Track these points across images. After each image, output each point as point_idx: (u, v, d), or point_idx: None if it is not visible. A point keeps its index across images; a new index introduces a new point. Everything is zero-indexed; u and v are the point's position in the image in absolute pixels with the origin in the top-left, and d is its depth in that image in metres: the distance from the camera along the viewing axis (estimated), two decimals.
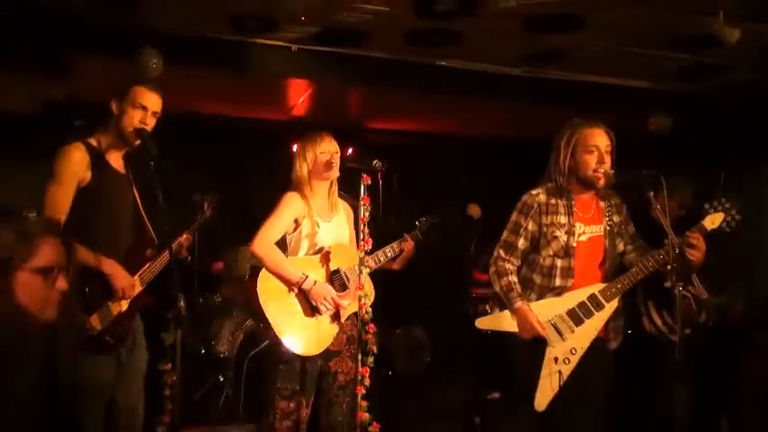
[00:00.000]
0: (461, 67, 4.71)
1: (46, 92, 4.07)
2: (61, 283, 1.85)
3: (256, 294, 3.13)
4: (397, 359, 5.49)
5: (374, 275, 3.28)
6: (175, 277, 2.54)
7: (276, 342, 3.13)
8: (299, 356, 3.16)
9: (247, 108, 5.75)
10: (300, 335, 3.14)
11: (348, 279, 3.24)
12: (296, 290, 3.16)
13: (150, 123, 2.89)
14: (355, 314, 3.17)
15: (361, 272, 3.08)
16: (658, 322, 3.78)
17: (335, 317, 3.21)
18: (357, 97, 5.54)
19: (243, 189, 3.81)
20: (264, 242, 3.15)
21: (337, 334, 3.25)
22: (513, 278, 3.00)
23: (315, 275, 3.21)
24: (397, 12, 3.83)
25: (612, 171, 3.00)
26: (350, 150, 5.83)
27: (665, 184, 2.93)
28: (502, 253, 3.05)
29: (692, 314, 3.76)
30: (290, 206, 3.21)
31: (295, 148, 3.36)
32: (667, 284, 2.95)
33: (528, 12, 3.71)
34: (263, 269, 3.16)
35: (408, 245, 3.51)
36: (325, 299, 3.15)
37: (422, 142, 6.43)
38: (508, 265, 3.02)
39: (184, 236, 3.22)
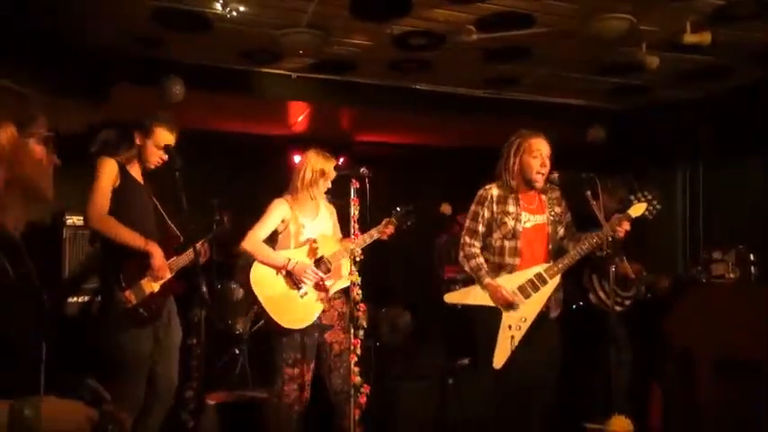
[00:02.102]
0: (433, 89, 4.74)
1: (90, 116, 4.07)
2: (54, 158, 1.49)
3: (250, 283, 3.18)
4: (384, 332, 5.52)
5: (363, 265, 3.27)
6: (198, 268, 2.56)
7: (269, 319, 3.16)
8: (298, 330, 3.19)
9: (255, 125, 5.75)
10: (287, 312, 3.18)
11: (330, 263, 3.28)
12: (283, 272, 3.20)
13: (164, 158, 2.89)
14: (345, 294, 3.23)
15: (353, 260, 3.12)
16: (602, 295, 3.84)
17: (319, 297, 3.24)
18: (347, 116, 5.55)
19: (251, 192, 3.84)
20: (253, 240, 3.19)
21: (329, 311, 3.29)
22: (480, 259, 3.04)
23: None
24: (380, 45, 3.86)
25: (555, 173, 3.06)
26: (341, 160, 5.86)
27: (599, 184, 3.01)
28: (467, 239, 3.09)
29: (633, 285, 3.83)
30: (276, 210, 3.26)
31: (298, 159, 3.37)
32: (612, 266, 3.03)
33: (486, 45, 3.75)
34: (255, 262, 3.20)
35: (389, 229, 3.38)
36: (306, 273, 3.18)
37: (402, 152, 6.46)
38: (474, 249, 3.06)
39: (201, 243, 3.10)
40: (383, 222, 3.39)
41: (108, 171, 2.78)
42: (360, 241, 3.25)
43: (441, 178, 6.30)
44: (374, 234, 3.34)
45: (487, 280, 2.99)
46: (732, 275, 4.07)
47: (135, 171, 2.94)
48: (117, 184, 2.80)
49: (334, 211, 3.46)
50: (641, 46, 3.64)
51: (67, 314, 3.90)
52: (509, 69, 4.32)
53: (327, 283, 3.26)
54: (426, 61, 4.17)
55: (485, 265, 3.02)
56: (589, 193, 3.01)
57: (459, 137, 6.07)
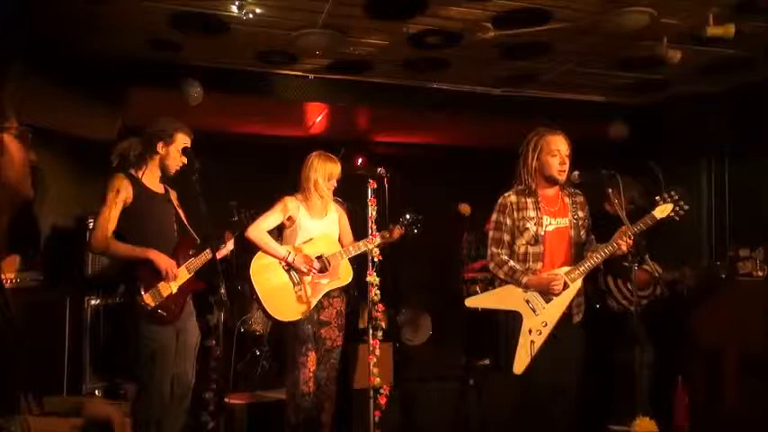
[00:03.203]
0: (450, 88, 4.70)
1: (110, 121, 4.15)
2: (33, 155, 1.47)
3: (249, 270, 3.28)
4: (404, 333, 5.51)
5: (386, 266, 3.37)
6: (218, 269, 2.62)
7: (261, 308, 3.28)
8: (308, 323, 3.31)
9: (274, 127, 5.77)
10: (279, 304, 3.28)
11: (329, 263, 3.36)
12: (284, 265, 3.30)
13: (184, 157, 3.02)
14: (346, 292, 3.41)
15: (371, 261, 3.13)
16: (618, 297, 3.78)
17: (313, 293, 3.33)
18: (364, 116, 5.54)
19: (270, 194, 3.87)
20: (257, 229, 3.31)
21: (328, 308, 3.40)
22: (511, 263, 3.00)
23: None
24: (396, 44, 3.85)
25: (576, 172, 3.01)
26: (360, 160, 5.86)
27: (620, 181, 2.96)
28: (494, 249, 3.05)
29: (649, 285, 3.76)
30: (284, 206, 3.38)
31: (309, 160, 3.43)
32: (626, 263, 2.97)
33: (503, 42, 3.71)
34: (257, 253, 3.31)
35: (394, 235, 3.48)
36: (305, 263, 3.28)
37: (420, 152, 6.44)
38: (503, 257, 3.03)
39: (228, 235, 3.26)
40: (390, 229, 3.46)
41: (116, 190, 2.90)
42: (362, 244, 3.35)
43: (460, 178, 6.25)
44: (362, 246, 3.39)
45: (525, 279, 2.96)
46: (760, 273, 3.98)
47: (152, 180, 3.04)
48: (129, 200, 2.91)
49: (344, 213, 3.55)
50: (662, 40, 3.57)
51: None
52: (527, 66, 4.27)
53: (323, 281, 3.34)
54: (443, 60, 4.14)
55: (518, 267, 2.99)
56: (610, 190, 2.96)
57: (477, 136, 6.02)
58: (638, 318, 3.55)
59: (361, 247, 3.37)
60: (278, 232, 3.45)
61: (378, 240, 3.33)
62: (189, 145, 3.02)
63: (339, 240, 3.50)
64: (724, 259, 4.45)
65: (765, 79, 4.37)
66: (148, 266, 2.89)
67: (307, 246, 3.37)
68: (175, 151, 2.99)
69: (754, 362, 3.76)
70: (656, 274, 3.32)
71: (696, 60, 4.00)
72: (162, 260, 2.90)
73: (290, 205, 3.39)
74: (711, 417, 3.98)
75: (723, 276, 4.11)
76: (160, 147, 3.00)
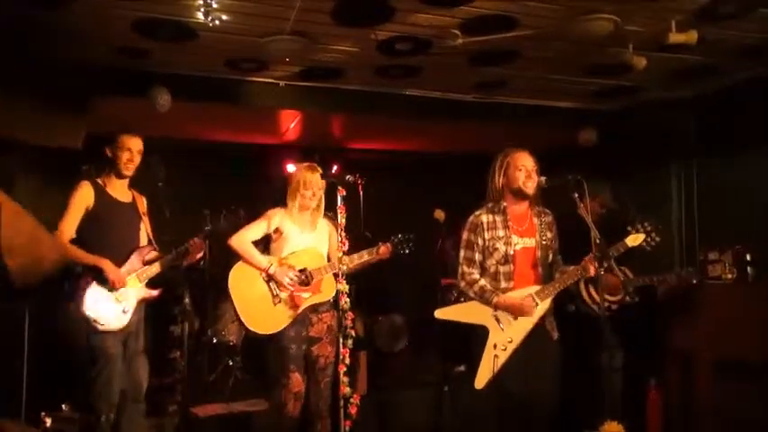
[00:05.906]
0: (422, 95, 4.72)
1: (77, 130, 4.11)
2: None
3: (227, 281, 3.26)
4: (380, 340, 5.49)
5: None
6: (181, 278, 2.62)
7: (238, 318, 3.24)
8: (293, 342, 3.24)
9: (247, 135, 5.74)
10: (257, 316, 3.23)
11: (311, 276, 3.30)
12: (265, 276, 3.25)
13: (136, 160, 3.16)
14: (335, 307, 3.27)
15: (340, 269, 3.12)
16: (588, 301, 3.83)
17: (293, 306, 3.26)
18: (337, 123, 5.54)
19: (243, 202, 3.84)
20: (240, 239, 3.28)
21: (317, 323, 3.33)
22: (482, 282, 3.03)
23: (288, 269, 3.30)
24: (366, 51, 3.85)
25: (542, 178, 3.05)
26: (335, 168, 5.86)
27: (586, 186, 3.00)
28: (465, 268, 3.08)
29: (618, 290, 3.80)
30: (270, 219, 3.35)
31: (292, 168, 3.42)
32: (600, 271, 3.02)
33: (471, 49, 3.74)
34: (240, 261, 3.27)
35: (383, 254, 3.46)
36: (286, 275, 3.24)
37: (392, 158, 6.44)
38: (474, 276, 3.06)
39: (196, 240, 3.24)
40: (378, 246, 3.45)
41: (78, 197, 3.03)
42: (348, 260, 3.27)
43: (434, 184, 6.27)
44: (365, 255, 3.39)
45: (495, 299, 2.99)
46: (729, 276, 4.04)
47: (118, 188, 3.15)
48: (91, 205, 3.03)
49: (334, 230, 3.48)
50: (628, 46, 3.63)
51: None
52: (497, 73, 4.30)
53: (304, 295, 3.28)
54: (413, 67, 4.16)
55: (488, 286, 3.02)
56: (576, 195, 3.00)
57: (449, 142, 6.05)
58: (607, 322, 3.60)
59: (347, 261, 3.28)
60: (264, 245, 3.42)
61: (366, 256, 3.33)
62: (138, 145, 3.12)
63: (328, 257, 3.45)
64: (694, 263, 4.51)
65: (733, 84, 4.47)
66: (97, 276, 2.95)
67: (291, 258, 3.33)
68: (119, 152, 3.10)
69: (725, 364, 3.82)
70: (622, 278, 3.38)
71: (663, 66, 4.07)
72: (111, 271, 2.96)
73: (277, 217, 3.36)
74: (684, 419, 4.02)
75: (695, 282, 4.15)
76: (108, 152, 3.13)
